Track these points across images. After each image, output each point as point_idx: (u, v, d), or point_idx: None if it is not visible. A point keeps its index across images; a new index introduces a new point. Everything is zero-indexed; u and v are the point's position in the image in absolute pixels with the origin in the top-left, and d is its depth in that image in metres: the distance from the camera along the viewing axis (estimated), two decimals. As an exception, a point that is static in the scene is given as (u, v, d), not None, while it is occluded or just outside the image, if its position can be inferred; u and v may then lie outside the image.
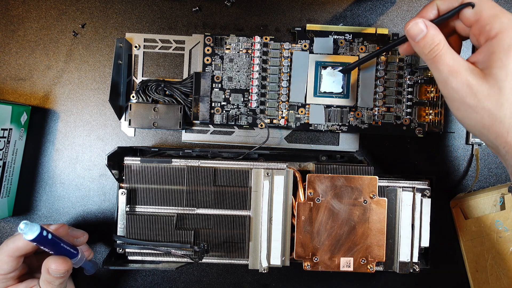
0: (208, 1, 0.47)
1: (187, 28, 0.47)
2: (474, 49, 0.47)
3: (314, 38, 0.45)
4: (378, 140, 0.47)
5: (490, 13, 0.31)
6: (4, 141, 0.43)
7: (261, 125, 0.46)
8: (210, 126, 0.47)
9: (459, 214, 0.46)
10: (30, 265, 0.40)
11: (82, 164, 0.47)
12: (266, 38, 0.45)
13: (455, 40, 0.37)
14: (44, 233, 0.33)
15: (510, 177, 0.34)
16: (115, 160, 0.41)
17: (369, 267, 0.41)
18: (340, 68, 0.44)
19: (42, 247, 0.34)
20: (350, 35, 0.45)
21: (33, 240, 0.33)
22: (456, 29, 0.36)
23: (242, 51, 0.45)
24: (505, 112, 0.30)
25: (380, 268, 0.42)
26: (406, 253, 0.41)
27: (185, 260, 0.42)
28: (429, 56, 0.33)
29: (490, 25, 0.31)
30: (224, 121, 0.45)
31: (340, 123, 0.45)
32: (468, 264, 0.46)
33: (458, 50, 0.36)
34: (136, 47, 0.47)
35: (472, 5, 0.32)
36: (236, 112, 0.45)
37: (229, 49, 0.45)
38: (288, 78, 0.45)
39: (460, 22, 0.34)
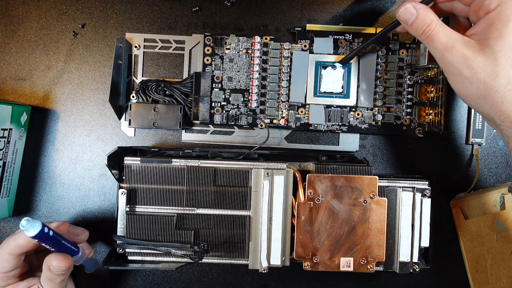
0: (208, 1, 0.47)
1: (187, 28, 0.47)
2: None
3: (314, 38, 0.45)
4: (378, 140, 0.47)
5: None
6: (4, 141, 0.43)
7: (261, 125, 0.46)
8: (210, 126, 0.47)
9: (459, 214, 0.46)
10: (30, 264, 0.40)
11: (82, 164, 0.47)
12: (266, 38, 0.45)
13: (456, 21, 0.37)
14: (46, 230, 0.33)
15: (507, 149, 0.34)
16: (115, 160, 0.41)
17: (369, 267, 0.41)
18: (339, 60, 0.44)
19: (43, 244, 0.35)
20: (350, 35, 0.45)
21: (34, 237, 0.33)
22: (454, 11, 0.36)
23: (242, 51, 0.45)
24: (500, 81, 0.31)
25: (380, 268, 0.42)
26: (406, 253, 0.41)
27: (185, 260, 0.42)
28: (423, 37, 0.33)
29: (489, 0, 0.31)
30: (224, 121, 0.45)
31: (340, 123, 0.45)
32: (468, 264, 0.46)
33: (463, 29, 0.37)
34: (136, 47, 0.47)
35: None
36: (236, 112, 0.45)
37: (229, 49, 0.45)
38: (288, 78, 0.45)
39: (457, 3, 0.35)
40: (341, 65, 0.45)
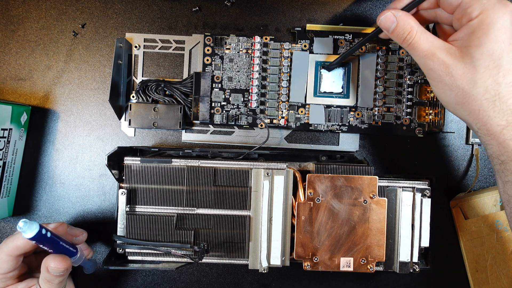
0: (208, 1, 0.47)
1: (187, 28, 0.47)
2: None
3: (314, 38, 0.45)
4: (378, 140, 0.47)
5: None
6: (4, 141, 0.43)
7: (261, 125, 0.46)
8: (210, 126, 0.47)
9: (459, 214, 0.46)
10: (29, 265, 0.40)
11: (82, 164, 0.47)
12: (266, 38, 0.45)
13: (441, 28, 0.37)
14: (43, 231, 0.33)
15: (486, 153, 0.34)
16: (115, 160, 0.41)
17: (369, 267, 0.41)
18: (326, 66, 0.44)
19: (41, 246, 0.34)
20: (350, 35, 0.45)
21: (32, 239, 0.33)
22: (438, 19, 0.36)
23: (242, 51, 0.45)
24: (478, 90, 0.31)
25: (380, 268, 0.42)
26: (406, 253, 0.41)
27: (185, 260, 0.42)
28: (404, 44, 0.34)
29: (472, 7, 0.31)
30: (224, 121, 0.45)
31: (340, 123, 0.45)
32: (468, 264, 0.46)
33: (448, 36, 0.37)
34: (136, 47, 0.47)
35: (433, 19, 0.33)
36: (236, 112, 0.45)
37: (229, 49, 0.45)
38: (288, 78, 0.45)
39: (441, 11, 0.35)
40: (327, 71, 0.45)
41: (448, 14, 0.35)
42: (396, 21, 0.34)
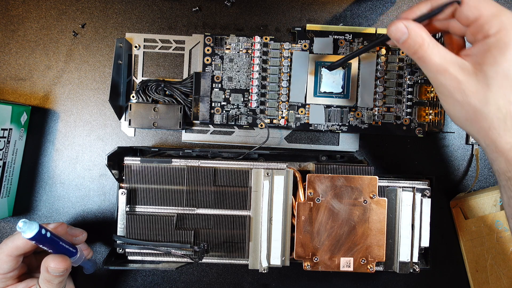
0: (208, 1, 0.47)
1: (187, 28, 0.47)
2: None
3: (314, 38, 0.45)
4: (378, 140, 0.47)
5: (490, 12, 0.30)
6: (4, 141, 0.43)
7: (261, 125, 0.46)
8: (210, 126, 0.47)
9: (459, 214, 0.46)
10: (29, 265, 0.40)
11: (82, 164, 0.47)
12: (266, 38, 0.45)
13: (450, 38, 0.36)
14: (43, 231, 0.33)
15: (492, 168, 0.34)
16: (115, 160, 0.41)
17: (369, 267, 0.41)
18: (327, 65, 0.44)
19: (41, 246, 0.34)
20: (350, 35, 0.45)
21: (31, 239, 0.33)
22: (450, 29, 0.35)
23: (242, 51, 0.45)
24: (490, 108, 0.31)
25: (380, 268, 0.42)
26: (406, 253, 0.41)
27: (185, 260, 0.42)
28: (415, 57, 0.33)
29: (489, 24, 0.30)
30: (224, 121, 0.45)
31: (340, 123, 0.45)
32: (468, 264, 0.46)
33: (457, 46, 0.36)
34: (136, 47, 0.47)
35: (458, 1, 0.32)
36: (236, 112, 0.45)
37: (229, 49, 0.45)
38: (288, 78, 0.45)
39: (455, 22, 0.34)
40: (329, 71, 0.45)
41: (462, 26, 0.34)
42: (407, 33, 0.32)
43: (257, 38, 0.45)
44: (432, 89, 0.45)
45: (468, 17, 0.32)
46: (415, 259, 0.41)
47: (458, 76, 0.31)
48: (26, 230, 0.32)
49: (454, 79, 0.31)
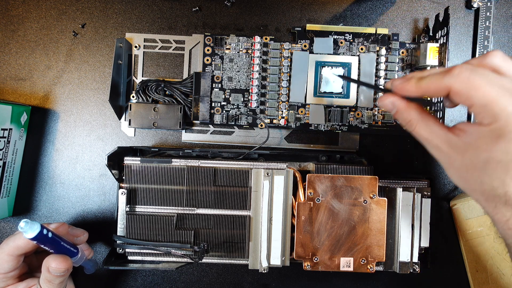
0: (208, 1, 0.47)
1: (187, 28, 0.47)
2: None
3: (314, 38, 0.45)
4: (378, 140, 0.47)
5: (482, 103, 0.28)
6: (4, 141, 0.43)
7: (261, 125, 0.46)
8: (210, 126, 0.47)
9: (459, 214, 0.46)
10: (30, 265, 0.40)
11: (82, 164, 0.47)
12: (266, 38, 0.45)
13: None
14: (44, 231, 0.33)
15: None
16: (115, 160, 0.41)
17: (369, 267, 0.41)
18: (341, 74, 0.44)
19: (42, 246, 0.34)
20: (350, 35, 0.45)
21: (33, 239, 0.33)
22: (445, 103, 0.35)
23: (242, 51, 0.45)
24: (485, 187, 0.30)
25: (380, 268, 0.42)
26: (406, 253, 0.41)
27: (185, 260, 0.42)
28: (407, 129, 0.33)
29: (482, 115, 0.29)
30: (224, 121, 0.45)
31: (340, 123, 0.45)
32: (468, 264, 0.46)
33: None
34: (136, 47, 0.47)
35: (449, 106, 0.32)
36: (236, 112, 0.45)
37: (229, 49, 0.45)
38: (288, 78, 0.45)
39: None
40: (337, 75, 0.45)
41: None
42: (395, 109, 0.33)
43: (257, 38, 0.45)
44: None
45: (463, 104, 0.30)
46: (415, 259, 0.41)
47: (450, 154, 0.31)
48: (28, 230, 0.32)
49: (447, 157, 0.31)
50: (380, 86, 0.44)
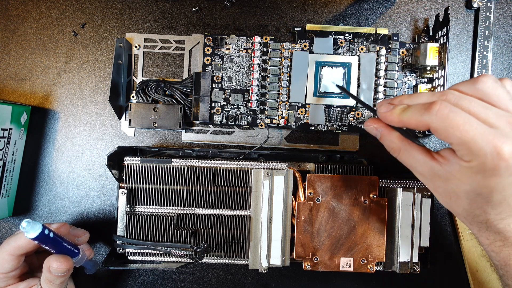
0: (208, 1, 0.47)
1: (187, 28, 0.47)
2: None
3: (314, 38, 0.45)
4: (378, 140, 0.47)
5: (459, 141, 0.28)
6: (4, 141, 0.43)
7: (261, 125, 0.46)
8: (210, 126, 0.47)
9: (459, 214, 0.46)
10: (31, 264, 0.40)
11: (82, 164, 0.47)
12: (266, 38, 0.45)
13: None
14: (46, 231, 0.33)
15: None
16: (115, 160, 0.41)
17: (369, 267, 0.41)
18: (340, 85, 0.44)
19: (43, 246, 0.35)
20: (350, 35, 0.45)
21: (35, 239, 0.33)
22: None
23: (242, 51, 0.45)
24: (466, 214, 0.31)
25: (380, 268, 0.42)
26: (406, 253, 0.41)
27: (185, 260, 0.42)
28: (391, 153, 0.34)
29: (461, 152, 0.29)
30: (224, 121, 0.45)
31: (340, 123, 0.45)
32: (468, 264, 0.46)
33: None
34: (136, 47, 0.47)
35: (421, 144, 0.32)
36: (236, 112, 0.45)
37: (229, 49, 0.45)
38: (288, 78, 0.45)
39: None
40: (342, 74, 0.44)
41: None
42: (379, 135, 0.34)
43: (257, 38, 0.45)
44: (432, 89, 0.45)
45: (444, 140, 0.30)
46: (415, 259, 0.41)
47: (433, 181, 0.32)
48: (29, 230, 0.32)
49: (430, 183, 0.32)
50: (374, 108, 0.43)
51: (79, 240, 0.40)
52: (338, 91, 0.45)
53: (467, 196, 0.30)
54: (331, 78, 0.45)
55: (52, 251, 0.36)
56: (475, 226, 0.31)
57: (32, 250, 0.37)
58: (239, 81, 0.45)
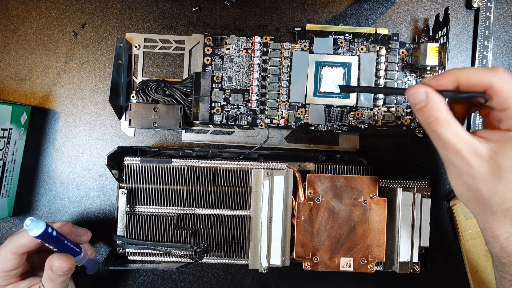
0: (208, 1, 0.47)
1: (187, 28, 0.47)
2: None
3: (314, 38, 0.45)
4: (378, 140, 0.47)
5: None
6: (4, 141, 0.43)
7: (261, 125, 0.46)
8: (210, 126, 0.47)
9: (459, 214, 0.46)
10: (32, 263, 0.40)
11: (82, 164, 0.47)
12: (266, 38, 0.45)
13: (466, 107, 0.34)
14: (49, 230, 0.34)
15: (487, 246, 0.33)
16: (115, 160, 0.41)
17: (369, 267, 0.41)
18: (341, 85, 0.44)
19: (46, 244, 0.35)
20: (350, 35, 0.45)
21: (38, 237, 0.33)
22: (475, 109, 0.34)
23: (242, 51, 0.45)
24: (496, 199, 0.30)
25: (380, 268, 0.42)
26: (406, 253, 0.41)
27: (185, 260, 0.42)
28: (428, 129, 0.31)
29: None
30: (224, 121, 0.45)
31: (340, 123, 0.45)
32: (468, 264, 0.46)
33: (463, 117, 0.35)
34: (136, 47, 0.47)
35: (485, 98, 0.30)
36: (236, 112, 0.45)
37: (229, 49, 0.45)
38: (288, 78, 0.45)
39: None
40: (342, 74, 0.44)
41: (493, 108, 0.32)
42: (425, 101, 0.30)
43: (257, 38, 0.45)
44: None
45: (495, 106, 0.30)
46: (415, 259, 0.41)
47: (470, 160, 0.30)
48: (33, 228, 0.32)
49: (465, 163, 0.30)
50: (403, 89, 0.42)
51: (81, 239, 0.40)
52: (338, 90, 0.45)
53: (505, 175, 0.29)
54: (331, 78, 0.45)
55: (54, 249, 0.36)
56: (496, 215, 0.30)
57: (34, 249, 0.37)
58: (239, 81, 0.45)
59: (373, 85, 0.45)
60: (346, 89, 0.43)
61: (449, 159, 0.31)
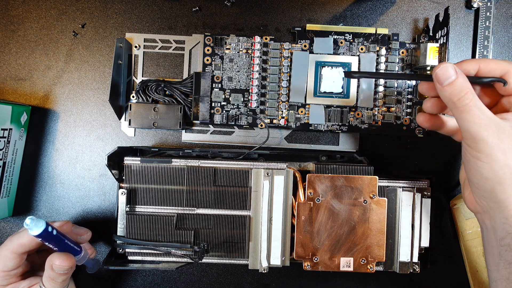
0: (208, 1, 0.47)
1: (187, 28, 0.47)
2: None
3: (314, 38, 0.45)
4: (378, 140, 0.47)
5: None
6: (4, 141, 0.43)
7: (261, 125, 0.46)
8: (210, 126, 0.47)
9: (459, 214, 0.46)
10: (32, 263, 0.40)
11: (82, 164, 0.47)
12: (266, 38, 0.45)
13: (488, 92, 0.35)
14: (49, 229, 0.34)
15: (483, 233, 0.33)
16: (115, 160, 0.41)
17: (369, 267, 0.41)
18: (345, 71, 0.44)
19: (46, 243, 0.35)
20: (350, 35, 0.45)
21: (38, 236, 0.33)
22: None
23: (242, 51, 0.45)
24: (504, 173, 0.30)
25: (380, 268, 0.42)
26: (406, 253, 0.41)
27: (185, 260, 0.42)
28: (457, 104, 0.31)
29: None
30: (224, 121, 0.45)
31: (340, 123, 0.45)
32: (468, 264, 0.46)
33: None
34: (136, 47, 0.47)
35: (504, 82, 0.32)
36: (236, 112, 0.45)
37: (229, 49, 0.45)
38: (288, 78, 0.45)
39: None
40: (343, 76, 0.44)
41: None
42: (455, 76, 0.31)
43: (257, 38, 0.45)
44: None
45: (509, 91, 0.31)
46: (415, 259, 0.41)
47: (500, 135, 0.30)
48: (33, 227, 0.32)
49: (496, 137, 0.30)
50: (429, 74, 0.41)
51: (81, 238, 0.40)
52: (338, 90, 0.45)
53: None
54: (331, 78, 0.45)
55: (54, 248, 0.36)
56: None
57: (34, 248, 0.37)
58: (239, 81, 0.45)
59: (372, 84, 0.45)
60: (350, 75, 0.42)
61: (479, 134, 0.30)
